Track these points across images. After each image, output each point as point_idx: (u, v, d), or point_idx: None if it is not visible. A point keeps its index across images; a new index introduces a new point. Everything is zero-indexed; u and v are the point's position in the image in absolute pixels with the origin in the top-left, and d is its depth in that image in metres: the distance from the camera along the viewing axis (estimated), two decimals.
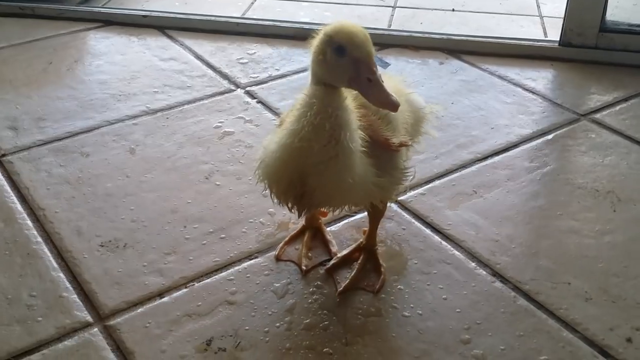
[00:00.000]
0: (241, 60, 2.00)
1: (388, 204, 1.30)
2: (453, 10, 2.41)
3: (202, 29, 2.18)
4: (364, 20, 2.29)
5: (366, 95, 0.96)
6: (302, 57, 2.00)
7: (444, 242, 1.32)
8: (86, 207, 1.41)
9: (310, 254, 1.28)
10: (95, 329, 1.14)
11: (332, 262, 1.26)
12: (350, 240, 1.32)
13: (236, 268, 1.26)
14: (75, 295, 1.20)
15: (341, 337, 1.12)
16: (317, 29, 1.00)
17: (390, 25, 2.28)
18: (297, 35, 2.11)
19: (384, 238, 1.32)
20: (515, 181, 1.48)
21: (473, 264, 1.27)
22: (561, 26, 2.00)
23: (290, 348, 1.10)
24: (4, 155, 1.57)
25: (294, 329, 1.13)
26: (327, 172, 1.00)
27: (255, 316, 1.16)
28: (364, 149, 1.02)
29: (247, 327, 1.14)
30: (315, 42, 0.99)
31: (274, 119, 1.70)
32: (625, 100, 1.80)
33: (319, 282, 1.23)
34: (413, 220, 1.37)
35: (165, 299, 1.19)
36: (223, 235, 1.33)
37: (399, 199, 1.41)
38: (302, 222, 1.32)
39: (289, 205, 1.08)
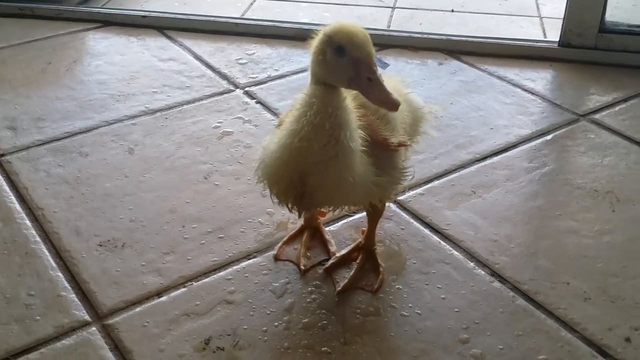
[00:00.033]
0: (240, 61, 2.00)
1: (387, 204, 1.30)
2: (452, 11, 2.41)
3: (201, 30, 2.18)
4: (363, 20, 2.29)
5: (366, 94, 0.96)
6: (301, 58, 2.00)
7: (442, 242, 1.32)
8: (85, 206, 1.40)
9: (309, 254, 1.28)
10: (94, 328, 1.14)
11: (330, 261, 1.26)
12: (349, 240, 1.32)
13: (235, 267, 1.26)
14: (74, 295, 1.20)
15: (340, 337, 1.12)
16: (316, 30, 1.00)
17: (389, 26, 2.28)
18: (296, 35, 2.11)
19: (383, 238, 1.32)
20: (514, 181, 1.48)
21: (472, 264, 1.27)
22: (560, 27, 2.00)
23: (289, 347, 1.10)
24: (2, 155, 1.57)
25: (293, 329, 1.13)
26: (327, 172, 1.00)
27: (253, 315, 1.16)
28: (363, 148, 1.02)
29: (245, 327, 1.13)
30: (315, 42, 0.99)
31: (272, 119, 1.70)
32: (625, 100, 1.80)
33: (317, 282, 1.23)
34: (412, 220, 1.37)
35: (163, 299, 1.19)
36: (222, 235, 1.33)
37: (398, 199, 1.41)
38: (300, 221, 1.32)
39: (289, 205, 1.08)
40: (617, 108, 1.77)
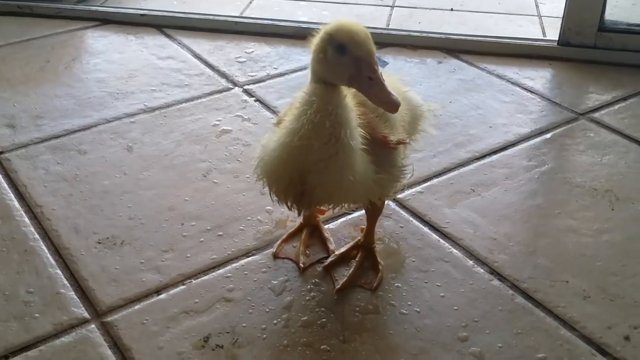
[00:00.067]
0: (239, 59, 2.00)
1: (386, 202, 1.30)
2: (451, 9, 2.41)
3: (200, 28, 2.18)
4: (362, 19, 2.29)
5: (367, 94, 0.96)
6: (300, 56, 2.00)
7: (441, 240, 1.32)
8: (83, 204, 1.40)
9: (308, 252, 1.28)
10: (93, 326, 1.13)
11: (329, 259, 1.26)
12: (348, 238, 1.32)
13: (234, 265, 1.25)
14: (73, 292, 1.20)
15: (339, 335, 1.12)
16: (315, 28, 0.99)
17: (388, 25, 2.28)
18: (295, 34, 2.11)
19: (382, 236, 1.32)
20: (513, 180, 1.48)
21: (471, 262, 1.27)
22: (560, 26, 2.00)
23: (288, 345, 1.10)
24: (1, 152, 1.57)
25: (292, 326, 1.13)
26: (327, 170, 0.99)
27: (252, 313, 1.15)
28: (363, 146, 1.02)
29: (244, 324, 1.13)
30: (316, 40, 0.99)
31: (271, 118, 1.70)
32: (624, 99, 1.80)
33: (316, 280, 1.23)
34: (411, 219, 1.37)
35: (162, 296, 1.19)
36: (220, 233, 1.33)
37: (397, 197, 1.41)
38: (300, 219, 1.32)
39: (288, 203, 1.07)
40: (616, 107, 1.77)
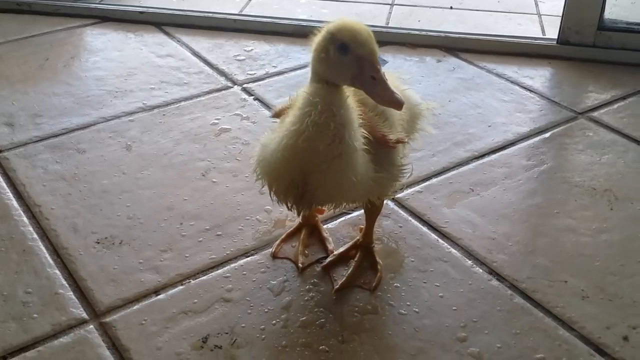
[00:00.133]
0: (238, 57, 2.00)
1: (385, 202, 1.30)
2: (451, 8, 2.40)
3: (200, 26, 2.18)
4: (361, 17, 2.29)
5: (370, 93, 0.96)
6: (300, 55, 1.99)
7: (440, 240, 1.32)
8: (82, 204, 1.40)
9: (306, 252, 1.28)
10: (91, 326, 1.13)
11: (328, 259, 1.26)
12: (347, 238, 1.32)
13: (232, 265, 1.25)
14: (71, 292, 1.20)
15: (337, 335, 1.12)
16: (315, 26, 0.99)
17: (388, 23, 2.27)
18: (294, 32, 2.11)
19: (381, 236, 1.32)
20: (512, 179, 1.48)
21: (470, 262, 1.27)
22: (559, 24, 1.99)
23: (287, 345, 1.10)
24: (0, 151, 1.56)
25: (290, 327, 1.13)
26: (330, 171, 0.99)
27: (251, 313, 1.15)
28: (365, 147, 1.01)
29: (243, 325, 1.13)
30: (317, 39, 0.98)
31: (271, 117, 1.70)
32: (623, 98, 1.80)
33: (315, 280, 1.23)
34: (410, 218, 1.37)
35: (161, 296, 1.19)
36: (219, 233, 1.33)
37: (396, 196, 1.41)
38: (298, 219, 1.32)
39: (289, 203, 1.07)
40: (615, 106, 1.77)
